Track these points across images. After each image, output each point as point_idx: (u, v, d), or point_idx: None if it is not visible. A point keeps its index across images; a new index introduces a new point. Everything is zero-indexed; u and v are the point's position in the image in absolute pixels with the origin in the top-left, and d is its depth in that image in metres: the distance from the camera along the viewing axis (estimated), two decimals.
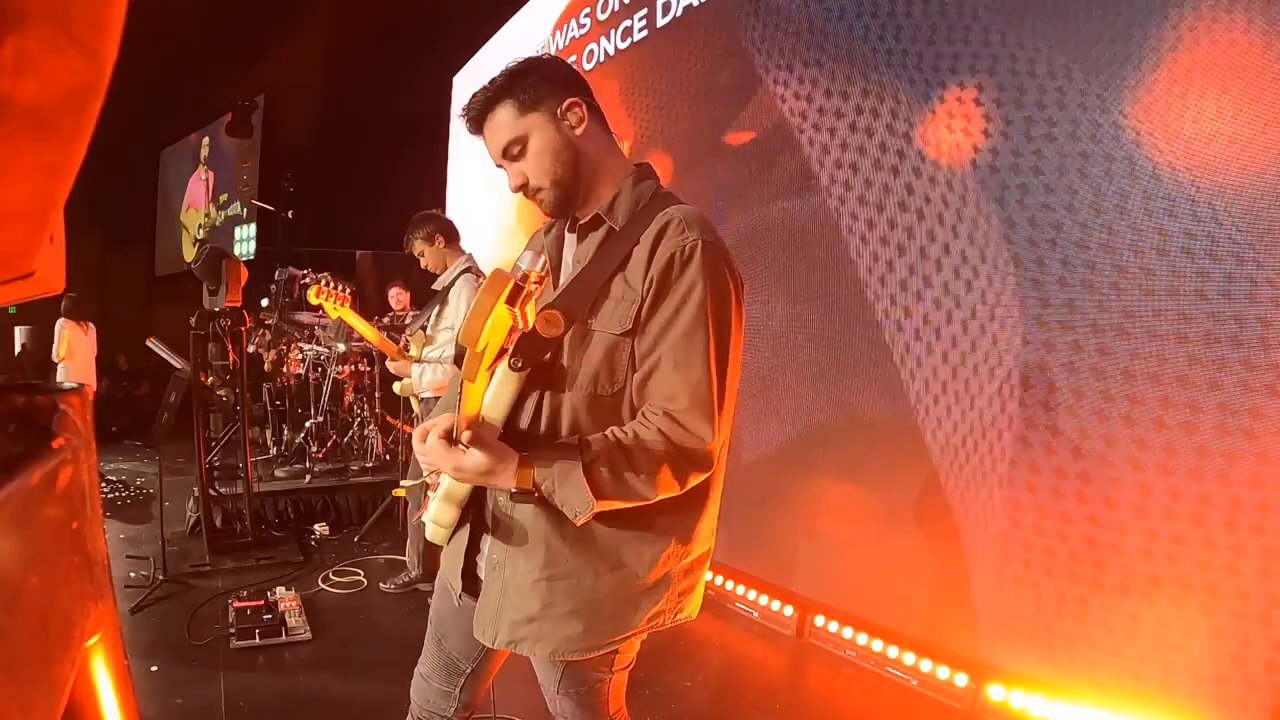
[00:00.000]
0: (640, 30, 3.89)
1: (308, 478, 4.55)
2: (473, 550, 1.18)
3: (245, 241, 8.53)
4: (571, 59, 4.38)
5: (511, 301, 0.83)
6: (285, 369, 5.35)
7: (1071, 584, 2.10)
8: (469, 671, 1.30)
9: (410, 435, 3.64)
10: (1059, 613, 2.13)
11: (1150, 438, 1.92)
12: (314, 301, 2.97)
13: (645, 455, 1.01)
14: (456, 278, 2.95)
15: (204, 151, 9.48)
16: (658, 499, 1.04)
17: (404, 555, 3.39)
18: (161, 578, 3.28)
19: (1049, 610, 2.15)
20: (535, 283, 0.86)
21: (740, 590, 3.07)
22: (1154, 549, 1.92)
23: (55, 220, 0.38)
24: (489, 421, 1.06)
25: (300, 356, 5.25)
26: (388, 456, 4.99)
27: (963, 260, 2.36)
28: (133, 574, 3.35)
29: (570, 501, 1.01)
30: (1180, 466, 1.87)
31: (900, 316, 2.57)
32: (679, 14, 3.59)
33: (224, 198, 9.06)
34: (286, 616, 2.86)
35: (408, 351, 3.06)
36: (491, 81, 1.11)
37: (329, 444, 5.07)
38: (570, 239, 1.19)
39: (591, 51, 4.31)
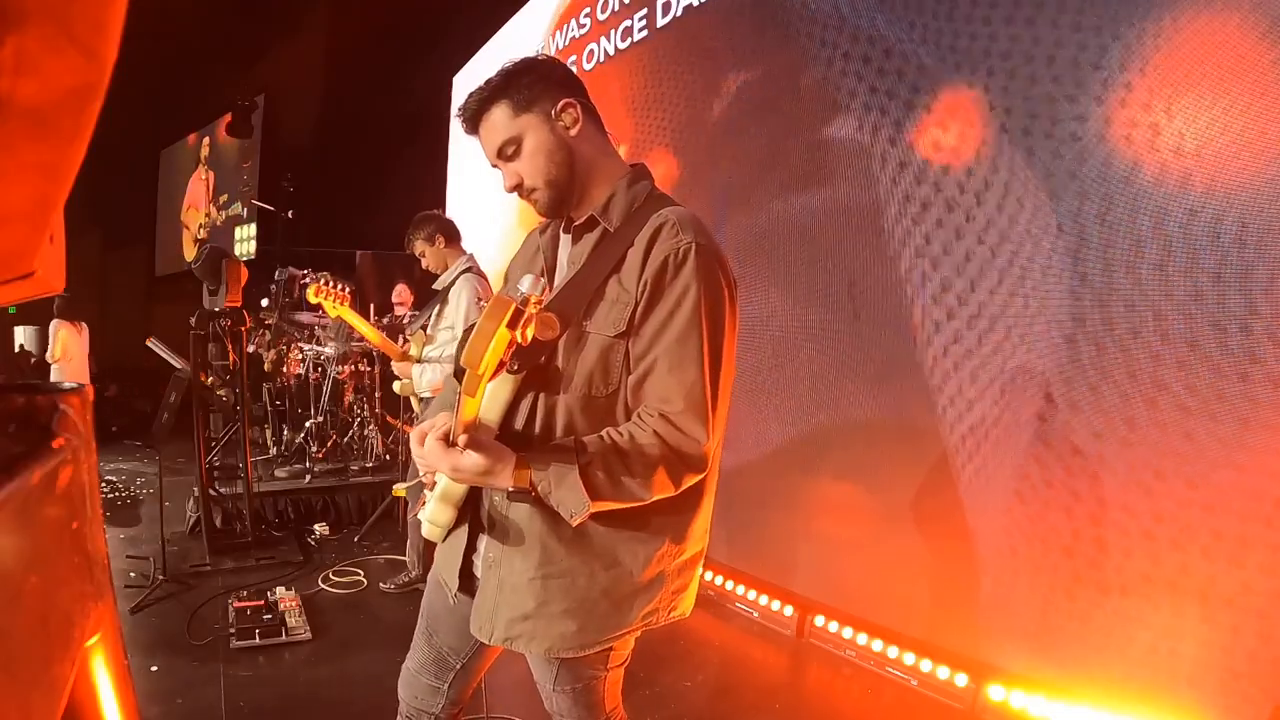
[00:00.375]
0: (640, 30, 3.89)
1: (308, 478, 4.55)
2: (469, 549, 1.19)
3: (245, 241, 8.53)
4: (571, 59, 4.39)
5: (513, 326, 0.84)
6: (285, 369, 5.35)
7: (1071, 584, 2.10)
8: (459, 667, 1.30)
9: (410, 435, 3.62)
10: (1059, 613, 2.13)
11: (1151, 439, 1.92)
12: (313, 300, 2.97)
13: (641, 457, 1.02)
14: (457, 277, 2.95)
15: (204, 151, 9.47)
16: (653, 499, 1.05)
17: (404, 555, 3.39)
18: (161, 578, 3.28)
19: (1049, 610, 2.15)
20: (535, 304, 0.87)
21: (740, 590, 3.07)
22: (1154, 549, 1.92)
23: (55, 220, 0.38)
24: (485, 423, 1.07)
25: (300, 356, 5.24)
26: (388, 456, 4.99)
27: (965, 259, 2.36)
28: (133, 574, 3.35)
29: (566, 502, 1.01)
30: (1182, 467, 1.87)
31: (902, 317, 2.57)
32: (679, 14, 3.59)
33: (224, 198, 9.06)
34: (286, 616, 2.86)
35: (408, 351, 3.06)
36: (487, 82, 1.11)
37: (329, 444, 5.07)
38: (565, 239, 1.20)
39: (591, 51, 4.31)
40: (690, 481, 1.08)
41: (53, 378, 5.83)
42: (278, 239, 6.57)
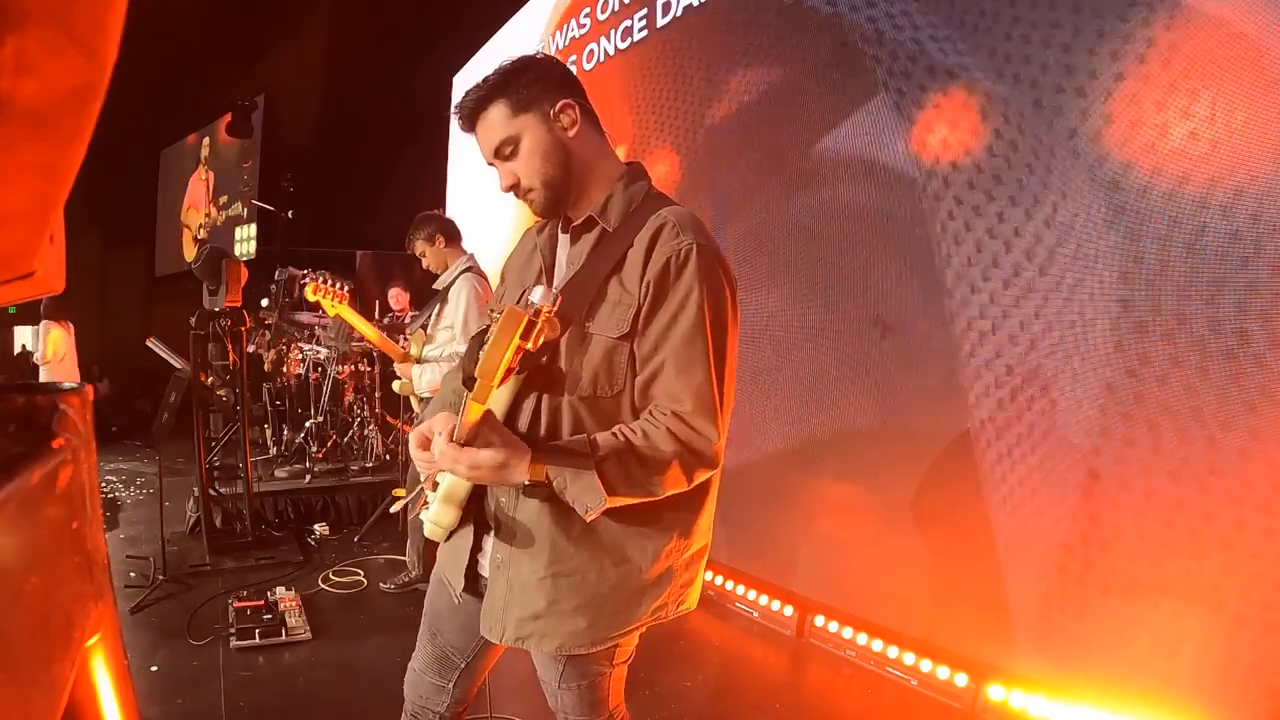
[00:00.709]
0: (640, 30, 3.89)
1: (308, 478, 4.55)
2: (475, 549, 1.20)
3: (245, 241, 8.53)
4: (571, 59, 4.39)
5: (525, 338, 0.85)
6: (285, 369, 5.35)
7: (1072, 584, 2.10)
8: (463, 666, 1.31)
9: (409, 437, 3.62)
10: (1059, 613, 2.13)
11: (1153, 441, 1.92)
12: (311, 298, 2.97)
13: (655, 453, 1.03)
14: (457, 277, 2.95)
15: (204, 151, 9.47)
16: (665, 495, 1.06)
17: (404, 555, 3.39)
18: (161, 578, 3.28)
19: (1049, 610, 2.15)
20: (547, 315, 0.87)
21: (740, 590, 3.07)
22: (1155, 550, 1.92)
23: (55, 220, 0.38)
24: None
25: (300, 356, 5.24)
26: (388, 456, 4.99)
27: (967, 263, 2.36)
28: (133, 574, 3.35)
29: (582, 498, 1.02)
30: (1185, 469, 1.87)
31: (902, 317, 2.57)
32: (679, 14, 3.59)
33: (224, 198, 9.06)
34: (286, 616, 2.86)
35: (408, 351, 3.06)
36: (485, 80, 1.11)
37: (329, 444, 5.07)
38: (564, 239, 1.20)
39: (591, 51, 4.31)
40: (702, 477, 1.10)
41: (43, 378, 5.80)
42: (278, 239, 6.57)
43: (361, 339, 3.95)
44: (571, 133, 1.12)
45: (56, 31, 0.27)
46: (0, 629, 0.30)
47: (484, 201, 5.75)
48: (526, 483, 1.03)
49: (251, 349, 5.30)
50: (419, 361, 3.00)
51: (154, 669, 2.54)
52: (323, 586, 3.33)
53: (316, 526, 4.14)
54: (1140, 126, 1.92)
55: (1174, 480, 1.88)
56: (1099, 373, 2.03)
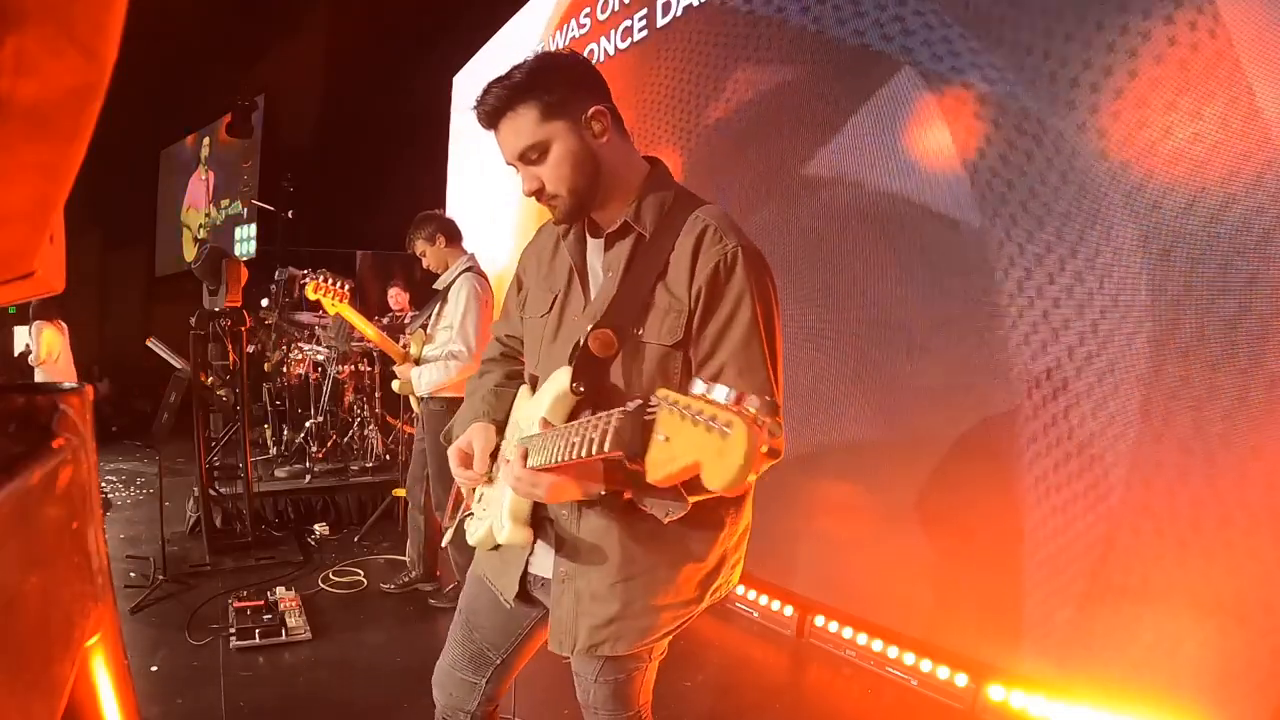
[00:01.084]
0: (640, 30, 3.89)
1: (308, 478, 4.55)
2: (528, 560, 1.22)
3: (245, 241, 8.52)
4: None
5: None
6: (286, 369, 5.35)
7: (1072, 584, 2.10)
8: (498, 663, 1.31)
9: (410, 435, 3.60)
10: (1059, 613, 2.13)
11: (1156, 439, 1.92)
12: (311, 296, 2.98)
13: None
14: (457, 277, 2.96)
15: (204, 151, 9.47)
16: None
17: (404, 555, 3.39)
18: (161, 578, 3.28)
19: (1049, 610, 2.15)
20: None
21: (740, 590, 3.07)
22: (1155, 550, 1.92)
23: (55, 220, 0.38)
24: None
25: (300, 357, 5.24)
26: (388, 456, 4.99)
27: (966, 260, 2.36)
28: (133, 574, 3.35)
29: (662, 504, 1.02)
30: (1186, 468, 1.87)
31: (903, 317, 2.57)
32: (679, 14, 3.59)
33: (225, 202, 9.05)
34: (286, 616, 2.86)
35: (408, 351, 3.06)
36: (509, 76, 1.07)
37: (329, 444, 5.07)
38: (594, 244, 1.18)
39: (591, 51, 4.31)
40: (766, 466, 1.11)
41: (38, 379, 5.77)
42: (278, 239, 6.56)
43: (361, 338, 3.95)
44: (602, 140, 1.09)
45: (56, 31, 0.27)
46: (0, 629, 0.30)
47: (484, 201, 5.75)
48: (602, 493, 1.05)
49: (252, 349, 5.30)
50: (418, 362, 3.00)
51: (154, 669, 2.54)
52: (323, 586, 3.33)
53: (316, 526, 4.14)
54: (1136, 122, 1.92)
55: (1174, 482, 1.88)
56: (1100, 376, 2.03)
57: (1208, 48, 1.78)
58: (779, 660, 2.78)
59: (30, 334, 5.59)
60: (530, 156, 1.08)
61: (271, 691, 2.42)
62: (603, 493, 1.05)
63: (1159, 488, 1.91)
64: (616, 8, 4.11)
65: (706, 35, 3.44)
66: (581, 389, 1.06)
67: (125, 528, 4.22)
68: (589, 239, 1.19)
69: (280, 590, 3.11)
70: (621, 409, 0.84)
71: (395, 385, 3.14)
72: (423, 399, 3.02)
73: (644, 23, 3.86)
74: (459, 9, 5.89)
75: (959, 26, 2.36)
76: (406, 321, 4.53)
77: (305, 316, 5.37)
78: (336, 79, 7.25)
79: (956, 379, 2.40)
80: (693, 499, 1.01)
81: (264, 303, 5.72)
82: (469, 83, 6.22)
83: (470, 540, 1.25)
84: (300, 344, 5.25)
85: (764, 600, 2.98)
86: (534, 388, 1.22)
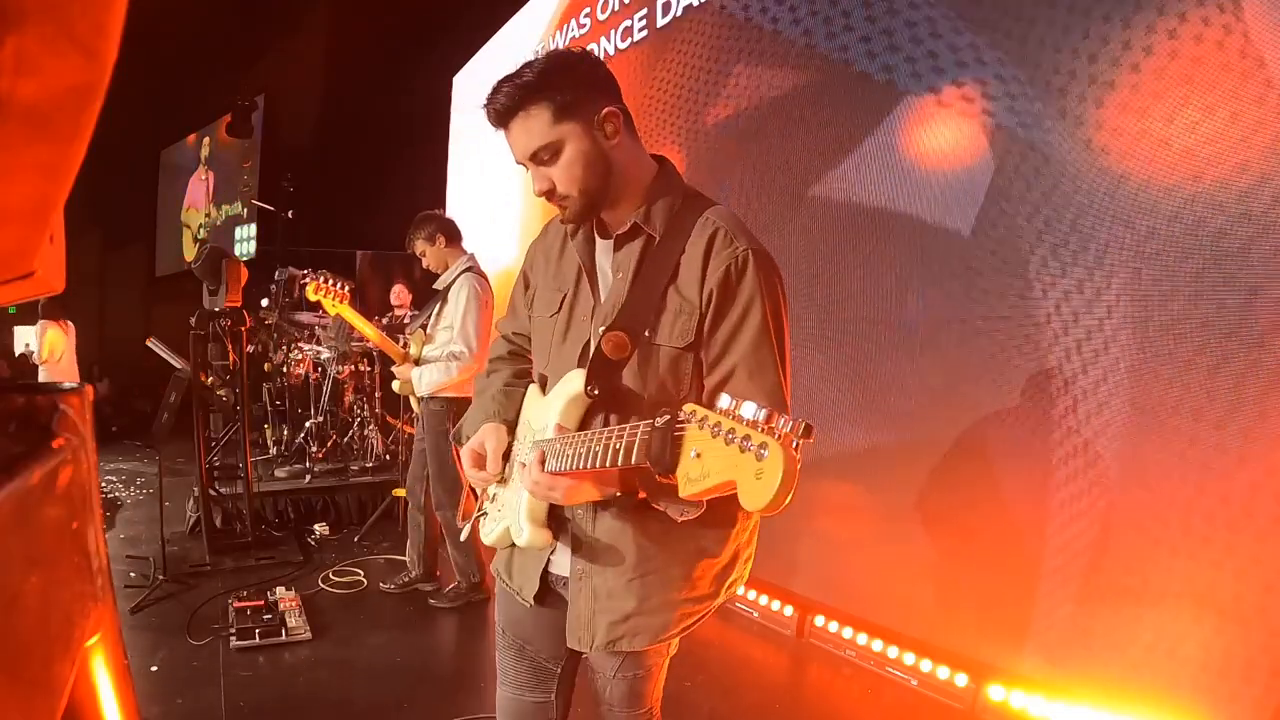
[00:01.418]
0: (640, 30, 3.89)
1: (308, 478, 4.55)
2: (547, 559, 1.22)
3: (245, 241, 8.52)
4: None
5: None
6: (287, 369, 5.35)
7: (1071, 584, 2.10)
8: (559, 672, 1.30)
9: (410, 435, 3.60)
10: (1059, 613, 2.13)
11: (1156, 441, 1.92)
12: (312, 297, 2.98)
13: None
14: (457, 277, 2.96)
15: (204, 152, 9.47)
16: None
17: (404, 555, 3.39)
18: (161, 578, 3.28)
19: (1049, 610, 2.15)
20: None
21: (740, 590, 3.07)
22: (1155, 550, 1.92)
23: (55, 220, 0.38)
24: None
25: (301, 356, 5.25)
26: (388, 456, 4.99)
27: (965, 259, 2.36)
28: (133, 574, 3.35)
29: (677, 504, 1.03)
30: (1185, 469, 1.87)
31: (903, 318, 2.57)
32: (679, 14, 3.59)
33: (226, 207, 9.06)
34: (286, 616, 2.86)
35: (408, 351, 3.06)
36: (521, 75, 1.06)
37: (329, 444, 5.07)
38: (603, 244, 1.18)
39: (591, 51, 4.31)
40: None
41: (41, 378, 5.80)
42: (278, 239, 6.56)
43: (361, 339, 3.95)
44: (614, 141, 1.09)
45: (56, 31, 0.27)
46: (0, 629, 0.30)
47: (484, 201, 5.75)
48: (617, 494, 1.06)
49: (252, 349, 5.30)
50: (418, 362, 3.00)
51: (154, 669, 2.54)
52: (323, 586, 3.33)
53: (316, 526, 4.14)
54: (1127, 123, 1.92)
55: (1174, 483, 1.88)
56: (1100, 378, 2.03)
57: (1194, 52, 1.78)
58: (779, 660, 2.78)
59: (35, 333, 5.66)
60: (542, 157, 1.07)
61: (271, 691, 2.42)
62: (618, 494, 1.06)
63: (1159, 488, 1.91)
64: (616, 8, 4.11)
65: (707, 35, 3.44)
66: (595, 392, 1.07)
67: (125, 528, 4.22)
68: (597, 239, 1.19)
69: (280, 590, 3.11)
70: (649, 422, 0.84)
71: (395, 385, 3.14)
72: (423, 399, 3.02)
73: (644, 23, 3.86)
74: (459, 9, 5.89)
75: (960, 25, 2.36)
76: (406, 322, 4.54)
77: (305, 316, 5.37)
78: (336, 79, 7.25)
79: (957, 380, 2.40)
80: (707, 497, 1.02)
81: (264, 303, 5.72)
82: (469, 83, 6.22)
83: (486, 540, 1.26)
84: (301, 344, 5.25)
85: (764, 600, 2.98)
86: (543, 387, 1.22)
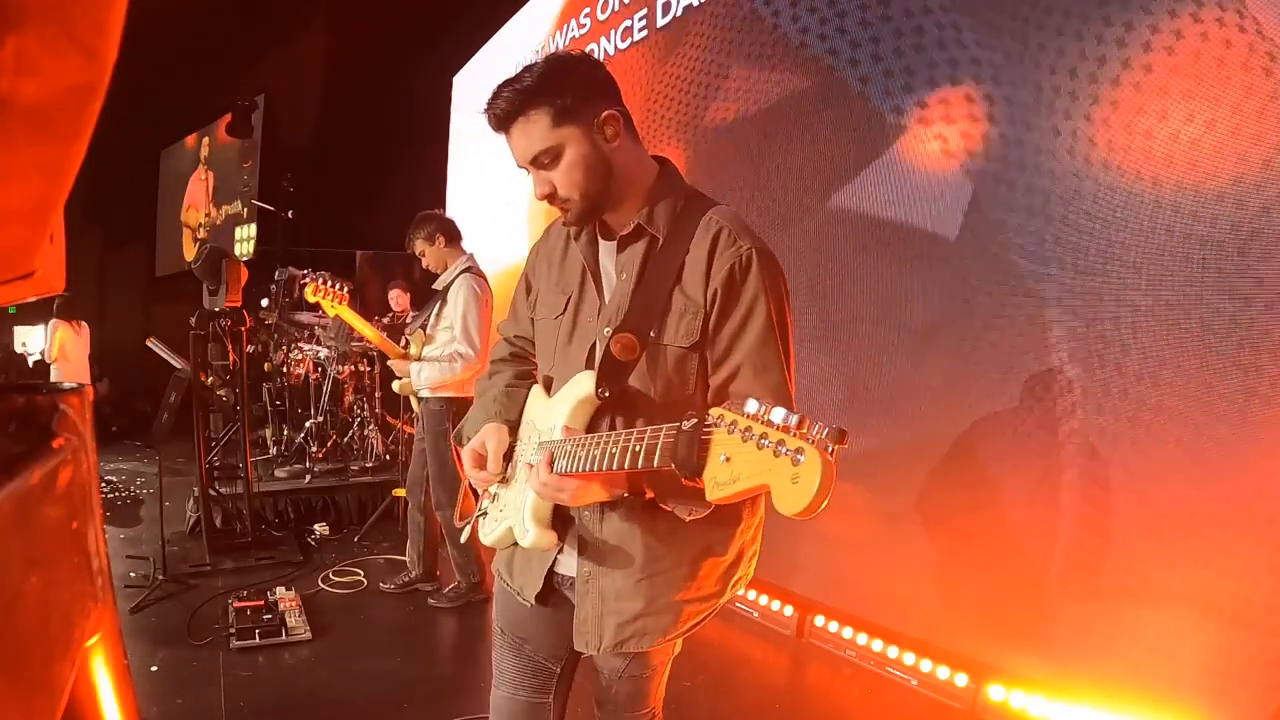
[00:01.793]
0: (640, 30, 3.89)
1: (308, 478, 4.55)
2: (553, 560, 1.22)
3: (245, 241, 8.52)
4: None
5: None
6: (287, 369, 5.35)
7: (1072, 584, 2.10)
8: (559, 671, 1.30)
9: (410, 435, 3.60)
10: (1059, 613, 2.13)
11: (1156, 442, 1.92)
12: (311, 299, 2.98)
13: None
14: (456, 277, 2.96)
15: (204, 151, 9.47)
16: None
17: (404, 555, 3.39)
18: (161, 578, 3.28)
19: (1049, 610, 2.15)
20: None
21: (740, 590, 3.07)
22: (1156, 550, 1.92)
23: (55, 220, 0.38)
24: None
25: (301, 356, 5.25)
26: (388, 456, 4.99)
27: (964, 260, 2.36)
28: (133, 574, 3.35)
29: (685, 503, 1.03)
30: (1184, 468, 1.87)
31: (903, 318, 2.57)
32: (679, 14, 3.59)
33: (226, 207, 9.06)
34: (286, 616, 2.86)
35: (408, 351, 3.06)
36: (520, 79, 1.06)
37: (329, 444, 5.07)
38: (606, 245, 1.19)
39: (591, 51, 4.31)
40: None
41: (52, 378, 5.84)
42: (278, 239, 6.56)
43: (361, 339, 3.95)
44: (614, 144, 1.09)
45: (57, 31, 0.27)
46: (0, 629, 0.30)
47: (484, 201, 5.75)
48: (625, 494, 1.06)
49: (252, 349, 5.30)
50: (417, 360, 3.00)
51: (154, 669, 2.54)
52: (323, 586, 3.33)
53: (316, 526, 4.14)
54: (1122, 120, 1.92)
55: (1174, 484, 1.88)
56: (1103, 379, 2.03)
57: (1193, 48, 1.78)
58: (779, 660, 2.78)
59: (47, 331, 5.86)
60: (542, 161, 1.08)
61: (271, 691, 2.42)
62: (626, 495, 1.07)
63: (1159, 489, 1.91)
64: (616, 8, 4.11)
65: (706, 35, 3.44)
66: (606, 393, 1.07)
67: (125, 528, 4.22)
68: (601, 241, 1.19)
69: (280, 590, 3.11)
70: (674, 425, 0.84)
71: (396, 386, 3.14)
72: (423, 399, 3.02)
73: (644, 23, 3.86)
74: (459, 9, 5.89)
75: (963, 29, 2.36)
76: (406, 322, 4.54)
77: (305, 316, 5.37)
78: (336, 79, 7.26)
79: (957, 380, 2.40)
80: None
81: (264, 303, 5.72)
82: (469, 83, 6.22)
83: (485, 540, 1.25)
84: (301, 344, 5.25)
85: (764, 600, 2.98)
86: (548, 389, 1.22)
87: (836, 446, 0.71)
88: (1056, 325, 2.12)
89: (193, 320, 3.72)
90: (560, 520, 1.17)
